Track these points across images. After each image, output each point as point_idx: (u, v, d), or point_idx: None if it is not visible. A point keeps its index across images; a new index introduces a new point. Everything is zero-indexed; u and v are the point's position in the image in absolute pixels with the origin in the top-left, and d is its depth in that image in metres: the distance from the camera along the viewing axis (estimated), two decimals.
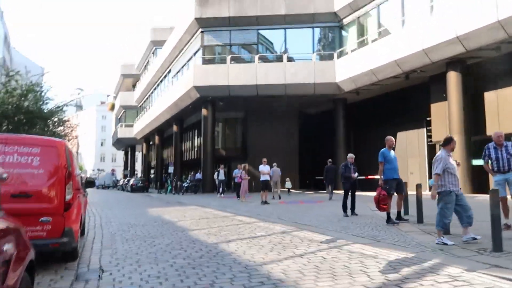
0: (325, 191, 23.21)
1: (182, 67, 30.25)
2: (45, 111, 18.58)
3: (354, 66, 22.07)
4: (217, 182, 22.04)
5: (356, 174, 10.64)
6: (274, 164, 21.80)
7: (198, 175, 27.40)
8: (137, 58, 49.58)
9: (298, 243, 6.38)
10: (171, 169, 30.37)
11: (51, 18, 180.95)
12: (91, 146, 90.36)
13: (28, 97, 17.90)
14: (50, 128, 20.07)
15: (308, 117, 30.61)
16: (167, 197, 23.27)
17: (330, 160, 18.43)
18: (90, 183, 7.54)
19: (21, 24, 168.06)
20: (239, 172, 18.55)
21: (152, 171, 51.64)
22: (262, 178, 15.54)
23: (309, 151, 29.63)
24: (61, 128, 23.87)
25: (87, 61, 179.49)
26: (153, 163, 49.51)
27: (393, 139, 8.92)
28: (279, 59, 25.23)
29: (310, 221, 9.28)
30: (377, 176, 20.62)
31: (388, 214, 8.33)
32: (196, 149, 35.49)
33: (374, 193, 8.58)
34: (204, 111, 26.68)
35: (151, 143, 49.55)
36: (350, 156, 10.80)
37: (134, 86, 53.84)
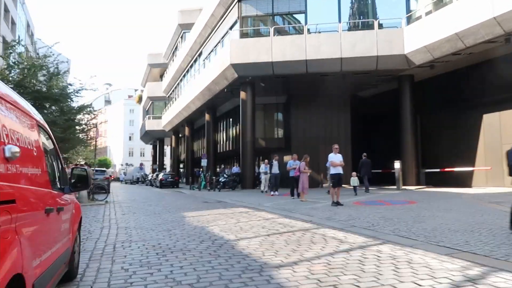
0: (394, 186, 19.22)
1: (216, 46, 26.57)
2: (58, 91, 15.26)
3: (431, 32, 17.67)
4: (264, 177, 18.28)
5: None
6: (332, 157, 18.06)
7: (236, 169, 23.71)
8: (164, 46, 46.47)
9: None
10: (204, 162, 26.82)
11: (77, 14, 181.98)
12: (120, 141, 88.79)
13: (37, 73, 14.60)
14: (66, 112, 16.80)
15: (362, 101, 26.28)
16: (202, 194, 19.70)
17: (365, 154, 17.59)
18: (80, 178, 3.69)
19: (47, 17, 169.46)
20: (294, 164, 14.71)
21: (181, 165, 48.61)
22: (333, 171, 11.61)
23: (364, 140, 25.33)
24: (81, 116, 20.77)
25: (115, 56, 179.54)
26: (183, 156, 46.36)
27: None
28: (332, 29, 21.06)
29: (469, 243, 5.32)
30: (457, 169, 15.94)
31: None
32: (231, 140, 31.85)
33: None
34: (242, 95, 22.91)
35: (180, 135, 46.41)
36: None
37: (161, 76, 50.89)
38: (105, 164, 77.38)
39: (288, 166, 14.93)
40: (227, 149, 32.89)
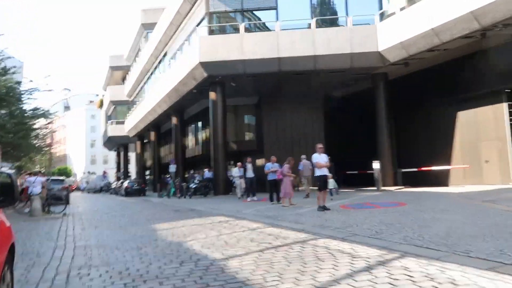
0: (372, 188, 18.66)
1: (182, 44, 25.21)
2: (3, 90, 13.44)
3: (406, 28, 17.30)
4: (239, 181, 17.14)
5: None
6: (303, 156, 17.41)
7: (208, 174, 22.45)
8: (127, 48, 44.36)
9: None
10: (172, 168, 25.36)
11: (31, 15, 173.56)
12: (81, 148, 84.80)
13: None
14: (16, 116, 14.99)
15: (335, 101, 25.73)
16: (173, 202, 18.32)
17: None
18: (3, 188, 2.47)
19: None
20: (273, 167, 13.69)
21: (147, 172, 46.56)
22: (319, 172, 10.66)
23: (339, 141, 24.75)
24: (35, 120, 18.87)
25: (74, 60, 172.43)
26: (149, 163, 44.41)
27: None
28: (304, 26, 20.32)
29: (504, 252, 4.47)
30: (434, 168, 15.48)
31: None
32: (201, 144, 30.52)
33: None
34: (212, 95, 21.72)
35: (145, 140, 44.42)
36: None
37: (124, 79, 48.65)
38: (65, 173, 73.56)
39: (266, 169, 13.87)
40: (196, 153, 31.50)
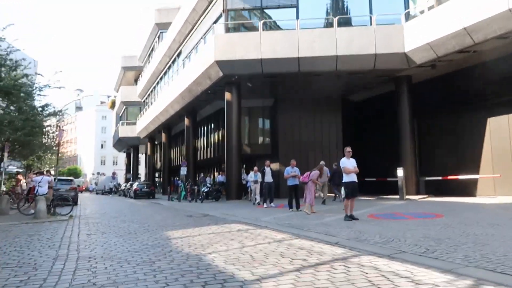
0: (392, 196, 17.70)
1: (197, 43, 24.49)
2: (10, 82, 12.74)
3: (435, 28, 16.31)
4: (255, 186, 16.23)
5: None
6: (322, 162, 16.43)
7: (220, 178, 21.59)
8: (139, 49, 43.89)
9: None
10: (183, 171, 24.57)
11: (45, 15, 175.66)
12: (91, 149, 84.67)
13: None
14: (25, 112, 14.30)
15: (354, 105, 24.80)
16: (183, 206, 17.48)
17: (336, 163, 16.20)
18: None
19: (16, 20, 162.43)
20: (293, 171, 12.79)
21: (157, 174, 45.94)
22: (347, 179, 9.72)
23: (356, 146, 23.72)
24: (42, 117, 18.22)
25: (87, 60, 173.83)
26: (159, 165, 43.79)
27: None
28: (327, 24, 19.46)
29: None
30: (461, 177, 14.30)
31: None
32: (213, 146, 29.72)
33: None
34: (227, 96, 20.93)
35: (156, 142, 43.83)
36: None
37: (136, 80, 48.18)
38: (75, 173, 73.41)
39: (286, 173, 12.96)
40: (208, 156, 30.73)
